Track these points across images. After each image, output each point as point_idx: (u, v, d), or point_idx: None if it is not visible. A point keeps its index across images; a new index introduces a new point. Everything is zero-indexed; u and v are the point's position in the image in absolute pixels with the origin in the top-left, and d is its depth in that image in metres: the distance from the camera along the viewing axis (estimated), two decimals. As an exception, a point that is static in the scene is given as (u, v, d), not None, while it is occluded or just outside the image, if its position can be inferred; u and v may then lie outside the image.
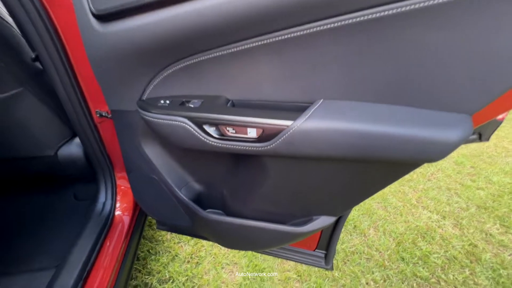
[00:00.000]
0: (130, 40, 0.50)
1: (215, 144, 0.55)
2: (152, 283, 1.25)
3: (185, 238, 1.49)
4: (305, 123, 0.46)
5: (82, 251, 0.85)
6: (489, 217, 1.65)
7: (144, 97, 0.61)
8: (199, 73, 0.54)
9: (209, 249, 1.43)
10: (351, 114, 0.46)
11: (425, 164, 1.82)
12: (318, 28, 0.42)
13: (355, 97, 0.47)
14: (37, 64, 0.97)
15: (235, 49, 0.48)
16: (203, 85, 0.56)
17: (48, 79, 0.79)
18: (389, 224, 1.61)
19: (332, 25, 0.41)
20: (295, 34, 0.44)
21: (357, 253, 1.43)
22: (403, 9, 0.37)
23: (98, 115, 0.86)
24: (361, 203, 1.77)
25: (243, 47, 0.48)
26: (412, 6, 0.37)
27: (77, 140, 1.10)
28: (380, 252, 1.44)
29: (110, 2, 0.48)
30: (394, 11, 0.37)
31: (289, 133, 0.47)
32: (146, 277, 1.28)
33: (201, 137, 0.55)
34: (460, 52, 0.38)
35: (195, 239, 1.47)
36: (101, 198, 1.02)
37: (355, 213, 1.70)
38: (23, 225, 1.09)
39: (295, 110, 0.49)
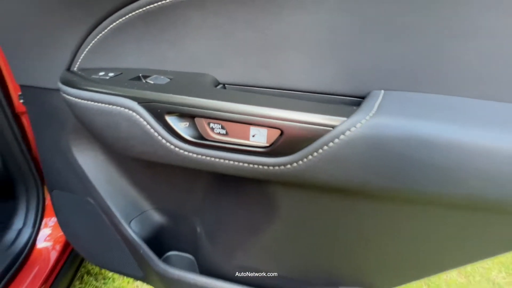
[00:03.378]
0: None
1: (186, 154, 0.31)
2: None
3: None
4: (373, 121, 0.24)
5: None
6: (493, 263, 1.50)
7: (75, 67, 0.37)
8: (171, 27, 0.31)
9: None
10: (451, 111, 0.25)
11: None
12: None
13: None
14: None
15: None
16: (180, 52, 0.33)
17: None
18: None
19: None
20: None
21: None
22: None
23: (22, 101, 0.59)
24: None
25: None
26: None
27: None
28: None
29: None
30: None
31: (339, 139, 0.24)
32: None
33: (160, 138, 0.31)
34: None
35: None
36: (17, 223, 0.71)
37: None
38: None
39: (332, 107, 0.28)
